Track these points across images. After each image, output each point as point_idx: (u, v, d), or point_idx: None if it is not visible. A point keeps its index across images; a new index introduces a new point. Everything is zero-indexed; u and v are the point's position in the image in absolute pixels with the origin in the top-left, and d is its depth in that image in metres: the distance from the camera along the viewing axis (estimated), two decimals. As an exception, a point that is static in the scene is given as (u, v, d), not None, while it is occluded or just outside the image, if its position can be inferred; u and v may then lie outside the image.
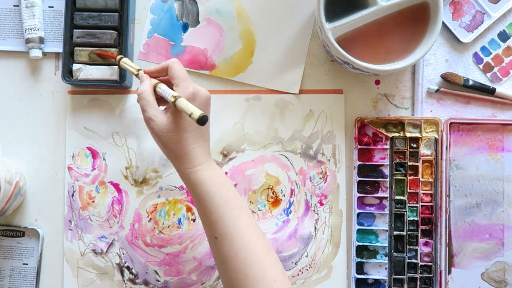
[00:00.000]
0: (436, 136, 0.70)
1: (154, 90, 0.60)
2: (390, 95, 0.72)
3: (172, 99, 0.56)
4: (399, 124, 0.70)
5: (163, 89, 0.59)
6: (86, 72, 0.69)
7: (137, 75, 0.63)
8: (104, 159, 0.72)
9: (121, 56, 0.66)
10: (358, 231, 0.70)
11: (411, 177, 0.70)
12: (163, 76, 0.62)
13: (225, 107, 0.72)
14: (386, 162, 0.70)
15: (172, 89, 0.59)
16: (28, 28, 0.70)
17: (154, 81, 0.60)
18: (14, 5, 0.72)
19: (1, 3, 0.72)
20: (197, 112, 0.54)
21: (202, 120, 0.53)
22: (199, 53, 0.72)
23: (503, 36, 0.71)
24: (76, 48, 0.69)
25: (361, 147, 0.70)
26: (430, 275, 0.69)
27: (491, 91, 0.70)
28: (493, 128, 0.70)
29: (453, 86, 0.71)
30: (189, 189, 0.59)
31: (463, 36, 0.70)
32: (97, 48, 0.68)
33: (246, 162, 0.71)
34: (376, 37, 0.65)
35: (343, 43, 0.63)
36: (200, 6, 0.72)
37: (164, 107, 0.60)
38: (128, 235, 0.71)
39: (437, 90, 0.70)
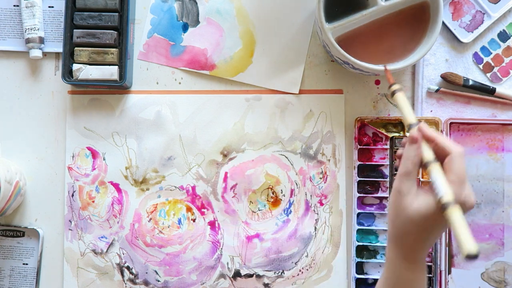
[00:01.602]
0: (436, 136, 0.70)
1: (424, 166, 0.49)
2: (390, 95, 0.72)
3: (441, 204, 0.45)
4: (399, 124, 0.70)
5: (435, 178, 0.47)
6: (86, 72, 0.69)
7: (409, 127, 0.51)
8: (104, 159, 0.72)
9: (399, 86, 0.54)
10: (358, 231, 0.70)
11: (411, 177, 0.70)
12: (434, 151, 0.50)
13: (225, 107, 0.72)
14: (386, 162, 0.70)
15: None
16: (28, 28, 0.70)
17: (430, 156, 0.49)
18: (14, 5, 0.72)
19: (1, 3, 0.72)
20: (466, 247, 0.42)
21: (470, 258, 0.42)
22: (199, 53, 0.72)
23: (503, 36, 0.71)
24: (76, 48, 0.69)
25: (361, 147, 0.70)
26: (430, 275, 0.69)
27: (491, 91, 0.70)
28: (493, 128, 0.70)
29: (453, 86, 0.71)
30: (386, 272, 0.53)
31: (463, 36, 0.70)
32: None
33: (246, 162, 0.71)
34: (376, 37, 0.65)
35: (343, 43, 0.63)
36: (200, 6, 0.72)
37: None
38: (128, 235, 0.71)
39: (437, 90, 0.70)
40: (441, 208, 0.45)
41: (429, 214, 0.47)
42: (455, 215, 0.44)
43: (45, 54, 0.72)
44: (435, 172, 0.47)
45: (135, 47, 0.72)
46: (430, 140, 0.50)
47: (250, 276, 0.71)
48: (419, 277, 0.51)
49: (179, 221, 0.71)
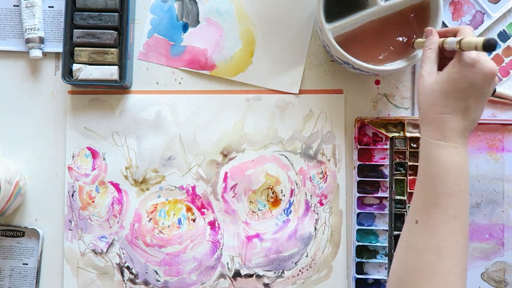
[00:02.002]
0: (436, 136, 0.70)
1: (442, 49, 0.55)
2: (390, 95, 0.72)
3: (457, 46, 0.51)
4: (399, 124, 0.70)
5: (449, 39, 0.54)
6: (86, 72, 0.69)
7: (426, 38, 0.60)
8: (104, 159, 0.72)
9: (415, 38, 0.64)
10: (358, 231, 0.70)
11: (411, 177, 0.70)
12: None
13: (225, 107, 0.72)
14: (386, 162, 0.70)
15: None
16: (28, 28, 0.70)
17: (443, 39, 0.56)
18: (14, 5, 0.72)
19: (1, 3, 0.72)
20: (480, 40, 0.47)
21: (488, 45, 0.47)
22: (199, 53, 0.72)
23: (503, 36, 0.71)
24: (76, 48, 0.69)
25: (361, 147, 0.70)
26: (430, 275, 0.69)
27: (491, 91, 0.70)
28: (493, 128, 0.70)
29: (453, 86, 0.71)
30: (420, 157, 0.54)
31: (463, 36, 0.71)
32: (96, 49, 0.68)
33: (246, 162, 0.71)
34: (376, 37, 0.65)
35: (343, 43, 0.63)
36: (200, 6, 0.72)
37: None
38: (128, 235, 0.71)
39: (437, 90, 0.70)
40: (460, 47, 0.51)
41: (449, 75, 0.52)
42: (467, 38, 0.50)
43: (45, 54, 0.72)
44: (450, 39, 0.54)
45: (135, 47, 0.72)
46: (441, 33, 0.57)
47: (250, 276, 0.71)
48: (453, 158, 0.51)
49: (179, 221, 0.71)
